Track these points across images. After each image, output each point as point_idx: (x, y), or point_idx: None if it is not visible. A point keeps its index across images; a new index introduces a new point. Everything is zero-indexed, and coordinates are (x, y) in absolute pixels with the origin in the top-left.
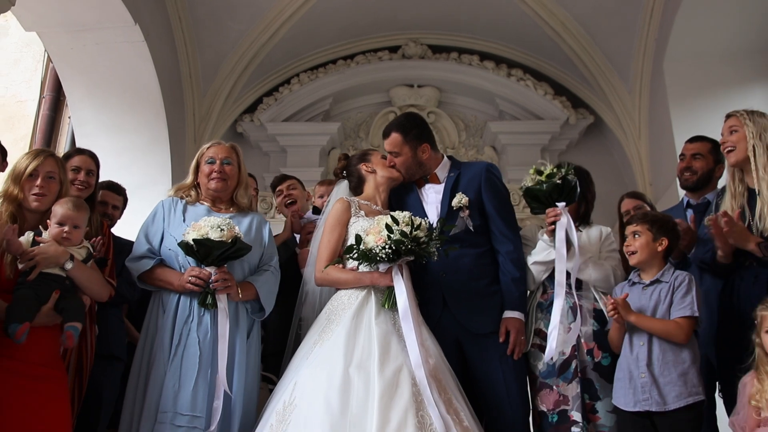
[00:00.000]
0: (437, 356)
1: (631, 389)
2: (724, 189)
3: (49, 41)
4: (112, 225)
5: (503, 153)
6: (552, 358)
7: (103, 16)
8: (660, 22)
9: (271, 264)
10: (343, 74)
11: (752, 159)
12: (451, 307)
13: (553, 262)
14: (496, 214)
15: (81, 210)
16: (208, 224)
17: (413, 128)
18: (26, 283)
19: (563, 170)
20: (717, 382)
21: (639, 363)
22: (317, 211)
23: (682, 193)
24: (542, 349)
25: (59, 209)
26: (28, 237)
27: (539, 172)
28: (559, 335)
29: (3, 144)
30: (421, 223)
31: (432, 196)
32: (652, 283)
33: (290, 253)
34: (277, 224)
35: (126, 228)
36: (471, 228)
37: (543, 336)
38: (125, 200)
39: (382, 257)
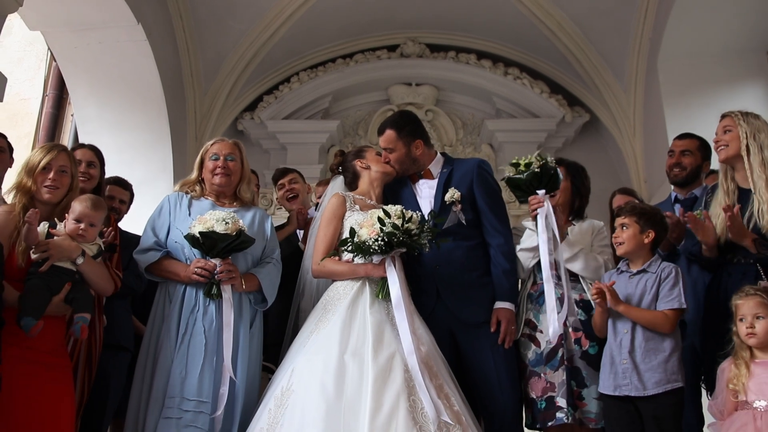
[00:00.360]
0: (429, 344)
1: (612, 374)
2: (714, 186)
3: (53, 40)
4: (119, 219)
5: (500, 151)
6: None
7: (106, 16)
8: (654, 22)
9: (273, 256)
10: (342, 73)
11: (746, 158)
12: (445, 298)
13: (537, 248)
14: (487, 209)
15: (99, 209)
16: (213, 218)
17: (407, 125)
18: (38, 274)
19: (541, 159)
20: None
21: (622, 349)
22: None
23: None
24: (532, 338)
25: (78, 206)
26: (43, 228)
27: (517, 164)
28: (557, 315)
29: None
30: (412, 216)
31: (426, 191)
32: (638, 272)
33: (293, 248)
34: (277, 220)
35: (128, 223)
36: (463, 222)
37: (533, 326)
38: (132, 195)
39: (375, 249)
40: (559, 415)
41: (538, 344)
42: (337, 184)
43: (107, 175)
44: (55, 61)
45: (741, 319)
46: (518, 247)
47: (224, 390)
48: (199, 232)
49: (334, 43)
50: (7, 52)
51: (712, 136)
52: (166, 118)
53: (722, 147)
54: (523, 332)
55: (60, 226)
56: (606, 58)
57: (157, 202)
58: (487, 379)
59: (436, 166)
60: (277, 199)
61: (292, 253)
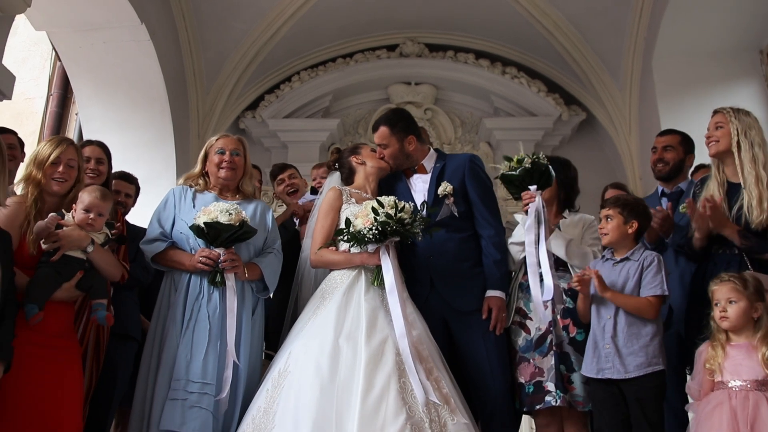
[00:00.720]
0: (421, 329)
1: (595, 358)
2: (702, 180)
3: (58, 40)
4: (126, 213)
5: (498, 148)
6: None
7: (110, 16)
8: (648, 22)
9: (275, 247)
10: (342, 72)
11: (736, 154)
12: (438, 287)
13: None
14: (479, 201)
15: (107, 200)
16: (217, 209)
17: (399, 121)
18: (49, 263)
19: (533, 156)
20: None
21: (605, 334)
22: (315, 191)
23: None
24: (522, 326)
25: (87, 197)
26: (52, 218)
27: (510, 159)
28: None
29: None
30: (405, 205)
31: (419, 185)
32: (622, 260)
33: (290, 235)
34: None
35: (133, 219)
36: (455, 214)
37: (523, 314)
38: (137, 189)
39: (369, 238)
40: (547, 398)
41: (528, 331)
42: (334, 179)
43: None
44: (60, 60)
45: (716, 304)
46: (510, 241)
47: (228, 374)
48: (204, 223)
49: (335, 42)
50: (12, 52)
51: (705, 133)
52: (170, 117)
53: (713, 142)
54: (513, 320)
55: (68, 217)
56: (602, 57)
57: (160, 199)
58: (479, 365)
59: (429, 161)
60: (275, 194)
61: (289, 240)
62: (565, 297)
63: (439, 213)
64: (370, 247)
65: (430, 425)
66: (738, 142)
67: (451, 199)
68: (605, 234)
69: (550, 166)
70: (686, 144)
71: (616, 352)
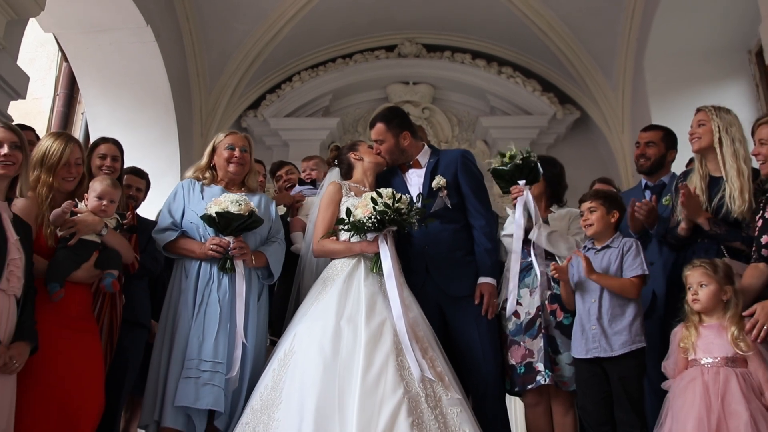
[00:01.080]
0: (416, 313)
1: (583, 340)
2: (685, 173)
3: (66, 42)
4: (137, 206)
5: (494, 147)
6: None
7: (117, 19)
8: (641, 22)
9: (278, 236)
10: (342, 72)
11: (718, 150)
12: (433, 275)
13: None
14: (471, 193)
15: (117, 188)
16: (227, 199)
17: (394, 118)
18: (67, 247)
19: (523, 153)
20: None
21: (590, 317)
22: (303, 183)
23: None
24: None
25: (99, 185)
26: (66, 206)
27: (503, 155)
28: (512, 293)
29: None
30: (401, 197)
31: (415, 179)
32: (603, 248)
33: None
34: None
35: (141, 213)
36: (449, 206)
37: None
38: (148, 184)
39: (368, 226)
40: (538, 377)
41: (518, 316)
42: (334, 174)
43: None
44: (67, 61)
45: (689, 288)
46: (502, 233)
47: (238, 354)
48: (216, 212)
49: (335, 43)
50: (20, 53)
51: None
52: (174, 116)
53: (696, 139)
54: (503, 306)
55: (80, 205)
56: (595, 57)
57: (165, 196)
58: (471, 348)
59: (423, 157)
60: (276, 190)
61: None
62: (553, 284)
63: (433, 204)
64: (369, 236)
65: (426, 400)
66: (720, 139)
67: (445, 191)
68: (590, 225)
69: (539, 163)
70: (668, 139)
71: (602, 332)
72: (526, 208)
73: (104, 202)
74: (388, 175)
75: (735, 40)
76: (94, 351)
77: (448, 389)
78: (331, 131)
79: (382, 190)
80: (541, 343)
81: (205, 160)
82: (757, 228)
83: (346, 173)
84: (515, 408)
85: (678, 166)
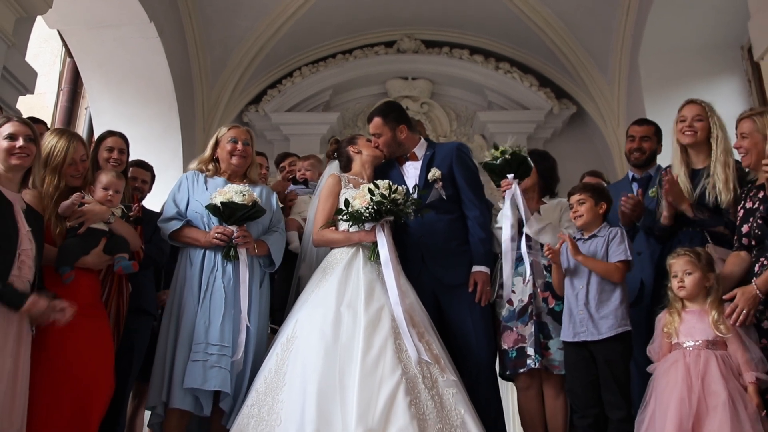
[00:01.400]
0: (413, 299)
1: (571, 324)
2: (669, 167)
3: (70, 38)
4: (143, 197)
5: (492, 141)
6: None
7: (121, 15)
8: (635, 19)
9: (279, 226)
10: (342, 67)
11: (714, 145)
12: (429, 264)
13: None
14: (465, 185)
15: (121, 179)
16: (232, 190)
17: (391, 112)
18: (76, 236)
19: (513, 148)
20: None
21: (578, 302)
22: (296, 182)
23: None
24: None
25: (105, 177)
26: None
27: (496, 147)
28: (507, 280)
29: None
30: (398, 188)
31: (411, 171)
32: (590, 237)
33: None
34: None
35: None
36: (444, 197)
37: None
38: (153, 176)
39: (366, 216)
40: (528, 361)
41: (510, 303)
42: (333, 167)
43: None
44: (71, 57)
45: (674, 276)
46: (495, 226)
47: (242, 337)
48: (221, 202)
49: (335, 39)
50: None
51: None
52: (176, 111)
53: (692, 132)
54: (497, 293)
55: (87, 197)
56: (591, 53)
57: (168, 190)
58: (465, 334)
59: (420, 149)
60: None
61: None
62: (545, 272)
63: (429, 195)
64: (367, 226)
65: (423, 381)
66: (716, 135)
67: (440, 183)
68: (580, 216)
69: (529, 158)
70: (659, 134)
71: (589, 317)
72: (514, 201)
73: (110, 193)
74: (386, 168)
75: (728, 36)
76: (105, 336)
77: (443, 371)
78: (331, 126)
79: (379, 182)
80: (532, 329)
81: (208, 152)
82: (739, 217)
83: (345, 166)
84: (510, 392)
85: (663, 159)
